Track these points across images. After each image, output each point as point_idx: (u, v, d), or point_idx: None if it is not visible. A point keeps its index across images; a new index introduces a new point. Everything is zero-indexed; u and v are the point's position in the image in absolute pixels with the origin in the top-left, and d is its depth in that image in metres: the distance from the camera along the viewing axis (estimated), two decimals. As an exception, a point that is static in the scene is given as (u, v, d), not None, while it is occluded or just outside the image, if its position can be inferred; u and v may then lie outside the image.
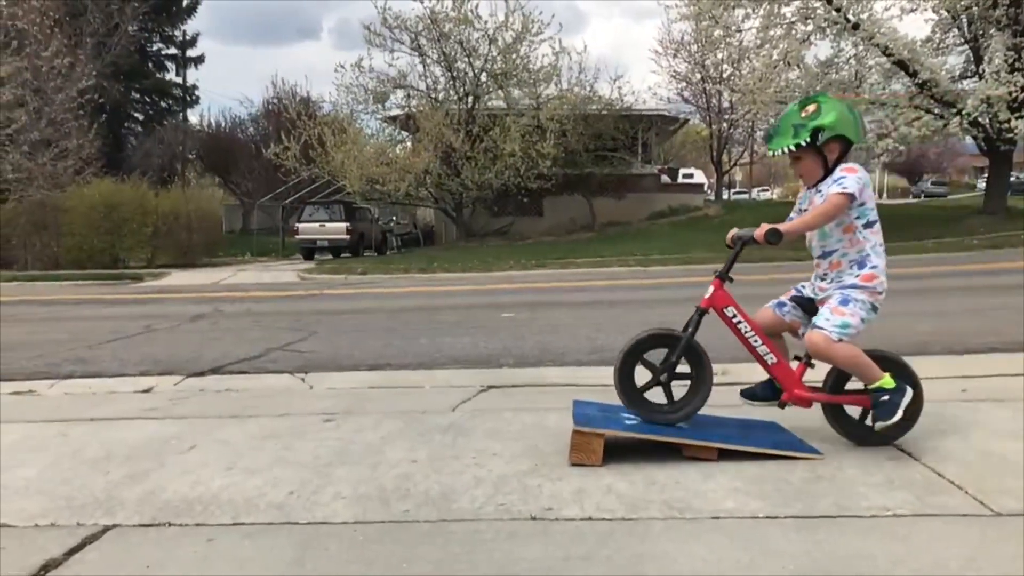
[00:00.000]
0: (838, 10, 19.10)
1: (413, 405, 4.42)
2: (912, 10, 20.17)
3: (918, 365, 5.02)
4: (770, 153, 3.33)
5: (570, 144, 25.89)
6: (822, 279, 3.35)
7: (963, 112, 18.53)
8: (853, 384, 3.36)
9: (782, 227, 3.16)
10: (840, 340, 3.14)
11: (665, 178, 36.55)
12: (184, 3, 44.07)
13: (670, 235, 24.75)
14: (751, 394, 3.54)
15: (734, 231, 3.34)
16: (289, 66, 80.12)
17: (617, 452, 3.18)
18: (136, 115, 44.48)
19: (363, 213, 29.31)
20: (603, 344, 6.64)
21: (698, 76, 37.68)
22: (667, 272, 14.66)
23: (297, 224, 27.82)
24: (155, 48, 44.37)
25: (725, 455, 3.13)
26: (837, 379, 3.37)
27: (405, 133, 29.02)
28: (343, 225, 26.89)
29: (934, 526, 2.46)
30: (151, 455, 3.44)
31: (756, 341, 3.31)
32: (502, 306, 9.61)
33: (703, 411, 3.63)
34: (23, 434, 3.90)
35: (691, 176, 45.52)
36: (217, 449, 3.51)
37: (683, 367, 3.30)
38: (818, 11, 19.64)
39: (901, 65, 19.45)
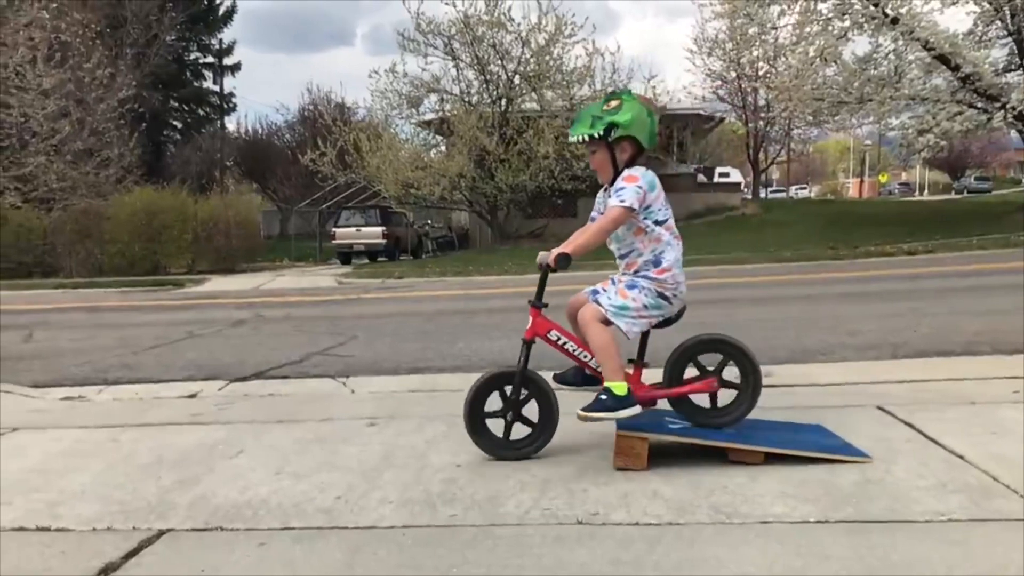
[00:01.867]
0: (876, 4, 18.79)
1: (454, 409, 4.40)
2: (953, 3, 19.73)
3: (968, 366, 5.01)
4: (572, 139, 3.33)
5: (605, 145, 25.81)
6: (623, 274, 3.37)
7: (1007, 106, 18.14)
8: (690, 372, 3.38)
9: (569, 249, 3.17)
10: (611, 322, 3.16)
11: (701, 177, 36.25)
12: (220, 12, 44.78)
13: (707, 235, 24.52)
14: (562, 379, 3.50)
15: (540, 255, 3.29)
16: (324, 72, 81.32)
17: (661, 456, 3.16)
18: (175, 123, 45.28)
19: (398, 217, 29.51)
20: (642, 346, 6.61)
21: (733, 74, 37.24)
22: (704, 273, 14.53)
23: (334, 229, 28.09)
24: (192, 57, 45.13)
25: (771, 459, 3.09)
26: (673, 370, 3.37)
27: (439, 137, 29.16)
28: (379, 229, 27.11)
29: (991, 531, 2.41)
30: (200, 460, 3.49)
31: (586, 356, 3.31)
32: (539, 309, 9.59)
33: (753, 413, 3.60)
34: (76, 439, 3.99)
35: (727, 175, 45.05)
36: (264, 454, 3.55)
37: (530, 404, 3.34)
38: (855, 6, 19.34)
39: (942, 59, 19.08)
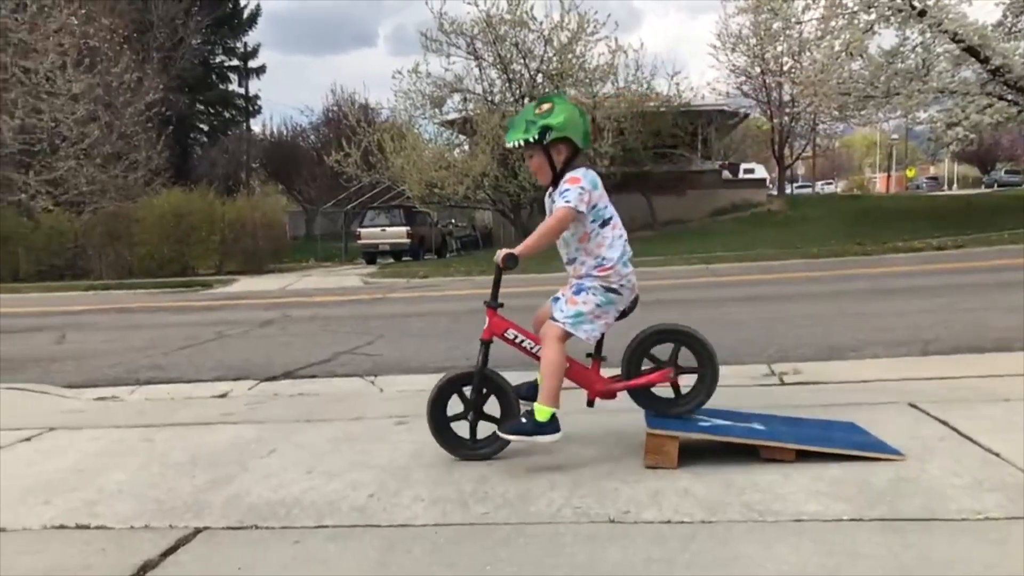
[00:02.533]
0: (903, -3, 18.58)
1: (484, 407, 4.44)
2: (982, -7, 19.50)
3: (1000, 362, 4.94)
4: (508, 145, 3.35)
5: (628, 142, 25.70)
6: (572, 277, 3.39)
7: (1039, 98, 17.86)
8: (647, 365, 3.40)
9: (516, 250, 3.20)
10: (574, 333, 3.20)
11: (726, 174, 36.02)
12: (245, 15, 45.21)
13: (733, 232, 24.40)
14: (517, 392, 3.48)
15: (496, 254, 3.30)
16: (347, 73, 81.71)
17: (691, 454, 3.15)
18: (201, 126, 45.77)
19: (423, 217, 29.62)
20: (670, 344, 6.59)
21: (758, 70, 36.90)
22: (731, 270, 14.46)
23: (359, 229, 28.27)
24: (218, 60, 45.60)
25: (803, 457, 3.07)
26: (631, 362, 3.39)
27: (462, 137, 29.20)
28: (403, 229, 27.25)
29: (1029, 529, 2.38)
30: (233, 459, 3.53)
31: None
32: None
33: (778, 411, 3.59)
34: (112, 439, 4.06)
35: (752, 171, 44.72)
36: (296, 453, 3.59)
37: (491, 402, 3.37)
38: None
39: (971, 51, 18.79)
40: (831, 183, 73.08)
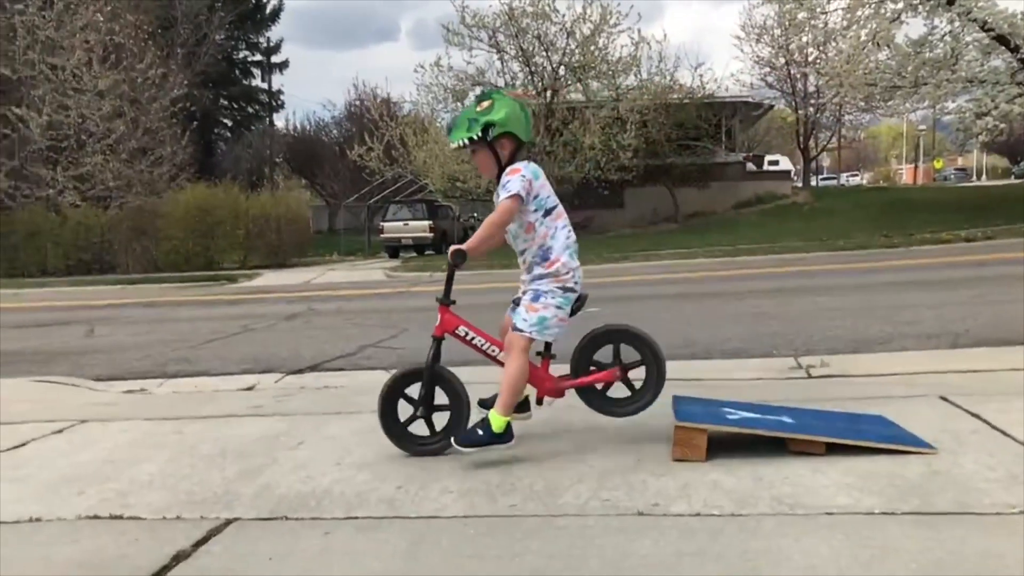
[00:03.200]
0: (931, -15, 18.33)
1: (509, 400, 4.45)
2: (1012, -19, 19.15)
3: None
4: (452, 146, 3.39)
5: (651, 134, 25.59)
6: (524, 275, 3.41)
7: (1071, 87, 17.56)
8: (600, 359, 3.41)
9: (464, 246, 3.24)
10: (536, 338, 3.25)
11: (750, 166, 35.76)
12: (267, 10, 45.40)
13: (758, 224, 24.22)
14: (484, 403, 3.50)
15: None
16: (369, 68, 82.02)
17: (720, 447, 3.14)
18: (225, 121, 46.08)
19: (445, 211, 29.69)
20: (695, 338, 6.56)
21: (782, 60, 36.52)
22: (756, 263, 14.35)
23: (382, 223, 28.39)
24: (241, 55, 45.84)
25: (833, 450, 3.04)
26: (579, 361, 3.39)
27: (485, 130, 29.19)
28: (426, 223, 27.34)
29: (1065, 524, 2.35)
30: (262, 451, 3.56)
31: (494, 351, 3.37)
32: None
33: (808, 404, 3.56)
34: (143, 431, 4.10)
35: (777, 163, 44.38)
36: (324, 445, 3.62)
37: (442, 398, 3.38)
38: (909, -13, 18.89)
39: (1001, 40, 18.51)
40: (856, 175, 72.30)
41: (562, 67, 26.37)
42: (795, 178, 43.97)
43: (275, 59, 46.26)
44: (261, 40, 45.82)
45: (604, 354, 3.44)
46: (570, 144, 25.33)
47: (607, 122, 25.07)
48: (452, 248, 3.24)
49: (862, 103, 24.46)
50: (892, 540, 2.29)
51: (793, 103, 39.26)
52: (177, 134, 27.05)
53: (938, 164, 66.46)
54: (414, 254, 27.44)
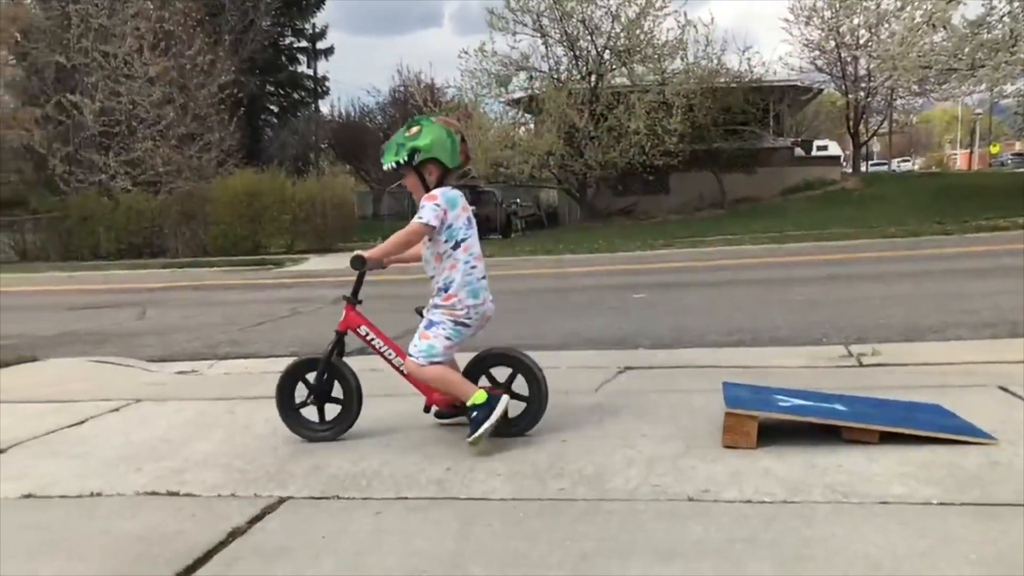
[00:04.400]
0: (990, -36, 17.78)
1: (555, 386, 4.39)
2: (1075, -41, 18.50)
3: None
4: (384, 167, 3.46)
5: (697, 119, 25.26)
6: (431, 298, 3.49)
7: None
8: (484, 382, 3.47)
9: (366, 253, 3.38)
10: (430, 363, 3.30)
11: (799, 151, 35.12)
12: (313, -3, 45.58)
13: (806, 211, 23.80)
14: (439, 415, 3.60)
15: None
16: (413, 54, 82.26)
17: (770, 434, 3.10)
18: (271, 107, 46.46)
19: (488, 196, 29.67)
20: (741, 325, 6.49)
21: (832, 43, 35.72)
22: (804, 250, 14.11)
23: (425, 209, 28.48)
24: (287, 42, 46.12)
25: (887, 439, 2.99)
26: (469, 375, 3.46)
27: (528, 115, 29.12)
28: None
29: None
30: (313, 431, 3.60)
31: (391, 354, 3.49)
32: (632, 287, 9.52)
33: (863, 392, 3.51)
34: (196, 411, 4.19)
35: (826, 148, 43.52)
36: (373, 426, 3.65)
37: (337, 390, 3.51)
38: (967, -33, 18.35)
39: (1062, 21, 17.93)
40: (908, 160, 70.68)
41: (607, 51, 26.18)
42: (844, 164, 43.14)
43: (320, 45, 46.53)
44: (306, 26, 46.07)
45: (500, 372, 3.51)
46: (615, 129, 25.14)
47: (652, 107, 24.82)
48: (354, 253, 3.38)
49: (915, 87, 23.84)
50: (951, 531, 2.24)
51: (843, 87, 38.46)
52: (225, 120, 27.38)
53: (995, 149, 64.58)
54: (457, 240, 27.53)
